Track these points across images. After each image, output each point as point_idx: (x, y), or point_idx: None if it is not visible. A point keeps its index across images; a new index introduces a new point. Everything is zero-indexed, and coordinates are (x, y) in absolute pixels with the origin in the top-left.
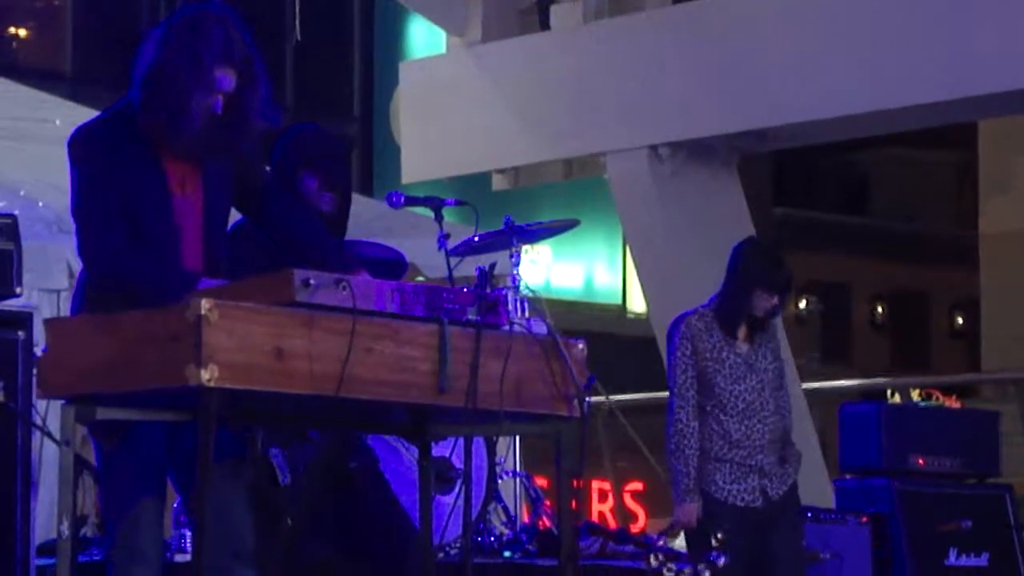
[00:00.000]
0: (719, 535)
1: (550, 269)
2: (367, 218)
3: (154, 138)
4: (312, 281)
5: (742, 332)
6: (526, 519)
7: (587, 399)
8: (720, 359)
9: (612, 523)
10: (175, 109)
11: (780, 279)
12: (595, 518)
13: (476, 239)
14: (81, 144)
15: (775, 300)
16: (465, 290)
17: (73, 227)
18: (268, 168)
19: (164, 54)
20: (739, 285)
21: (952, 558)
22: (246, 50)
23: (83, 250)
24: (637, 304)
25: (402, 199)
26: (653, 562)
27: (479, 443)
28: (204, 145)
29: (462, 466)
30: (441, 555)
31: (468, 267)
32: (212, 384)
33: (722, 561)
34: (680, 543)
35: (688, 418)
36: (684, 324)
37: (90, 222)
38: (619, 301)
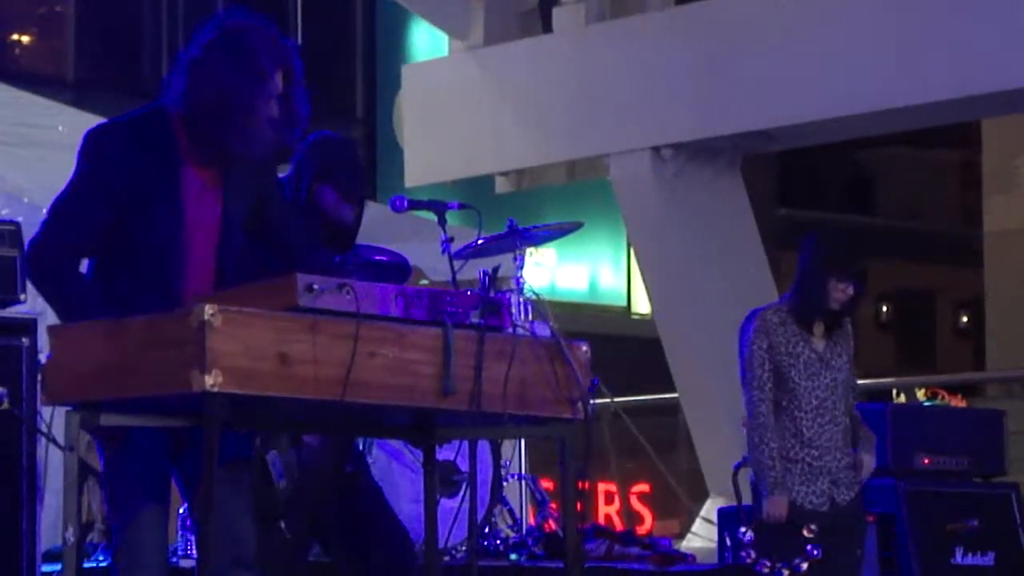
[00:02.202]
0: (811, 526)
1: (554, 271)
2: (370, 222)
3: (213, 155)
4: (316, 286)
5: (819, 329)
6: (532, 522)
7: (591, 401)
8: (795, 354)
9: (618, 525)
10: (249, 131)
11: (853, 266)
12: (601, 520)
13: (480, 242)
14: (92, 143)
15: (850, 290)
16: (469, 293)
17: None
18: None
19: (226, 78)
20: (812, 275)
21: (959, 557)
22: (286, 50)
23: (34, 237)
24: (642, 306)
25: (405, 203)
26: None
27: (484, 446)
28: (268, 149)
29: (467, 469)
30: (447, 558)
31: (472, 270)
32: (216, 389)
33: (817, 553)
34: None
35: (768, 411)
36: (758, 318)
37: (57, 214)
38: (624, 303)
